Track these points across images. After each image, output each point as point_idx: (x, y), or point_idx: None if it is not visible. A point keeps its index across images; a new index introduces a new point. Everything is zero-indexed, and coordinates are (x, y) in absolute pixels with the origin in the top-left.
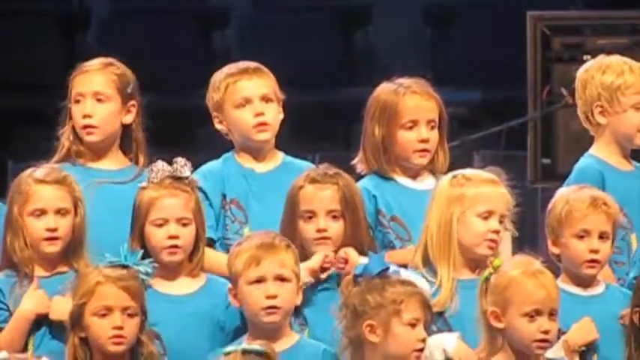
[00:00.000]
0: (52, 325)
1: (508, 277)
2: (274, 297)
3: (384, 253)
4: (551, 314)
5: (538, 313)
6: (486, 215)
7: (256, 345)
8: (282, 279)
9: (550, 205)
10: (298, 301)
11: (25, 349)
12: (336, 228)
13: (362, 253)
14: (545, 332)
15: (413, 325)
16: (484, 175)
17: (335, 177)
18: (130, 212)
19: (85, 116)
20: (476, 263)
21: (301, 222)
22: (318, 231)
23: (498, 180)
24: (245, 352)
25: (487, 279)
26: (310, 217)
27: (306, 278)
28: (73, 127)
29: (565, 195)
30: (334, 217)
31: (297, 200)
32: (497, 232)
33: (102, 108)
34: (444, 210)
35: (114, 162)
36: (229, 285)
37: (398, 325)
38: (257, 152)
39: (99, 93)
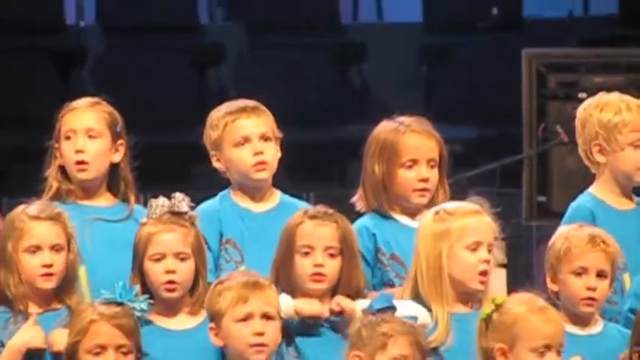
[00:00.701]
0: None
1: (515, 313)
2: (262, 334)
3: (394, 294)
4: (558, 350)
5: (547, 348)
6: (474, 247)
7: None
8: (268, 317)
9: (550, 243)
10: (279, 339)
11: None
12: (332, 265)
13: (356, 293)
14: None
15: None
16: (466, 207)
17: (334, 216)
18: (126, 249)
19: (77, 152)
20: (468, 297)
21: (297, 257)
22: (315, 266)
23: (481, 209)
24: None
25: (488, 316)
26: (307, 253)
27: (294, 315)
28: (60, 167)
29: (565, 232)
30: (331, 254)
31: (294, 235)
32: (487, 261)
33: (94, 144)
34: (430, 247)
35: (104, 200)
36: (211, 324)
37: (382, 359)
38: (255, 191)
39: (91, 129)
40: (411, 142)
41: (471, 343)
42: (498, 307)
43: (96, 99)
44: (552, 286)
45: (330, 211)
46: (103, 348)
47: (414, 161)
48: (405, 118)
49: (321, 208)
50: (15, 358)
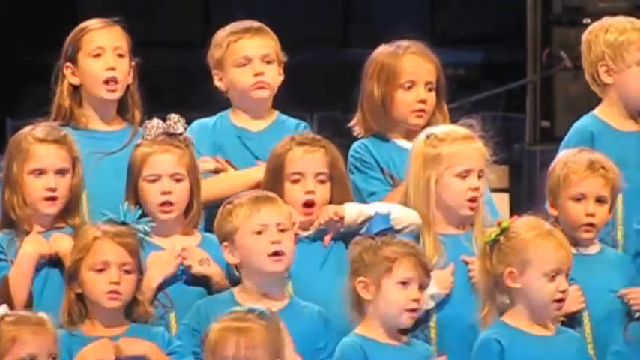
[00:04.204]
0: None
1: (524, 238)
2: (279, 242)
3: (389, 215)
4: (567, 274)
5: (558, 272)
6: (464, 175)
7: (260, 306)
8: (282, 229)
9: (550, 168)
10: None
11: (31, 296)
12: (322, 191)
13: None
14: (563, 292)
15: (405, 284)
16: (457, 132)
17: (322, 141)
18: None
19: (109, 69)
20: (458, 221)
21: (287, 184)
22: (307, 193)
23: (472, 135)
24: (251, 311)
25: (494, 240)
26: (297, 180)
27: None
28: (71, 86)
29: (564, 158)
30: (321, 181)
31: (283, 162)
32: (476, 189)
33: (123, 62)
34: (420, 171)
35: (115, 124)
36: (224, 243)
37: (389, 283)
38: (254, 111)
39: (120, 48)
40: (409, 63)
41: (461, 264)
42: (504, 231)
43: (109, 19)
44: (552, 211)
45: (317, 136)
46: (106, 265)
47: (413, 82)
48: (404, 42)
49: (307, 134)
50: (27, 268)
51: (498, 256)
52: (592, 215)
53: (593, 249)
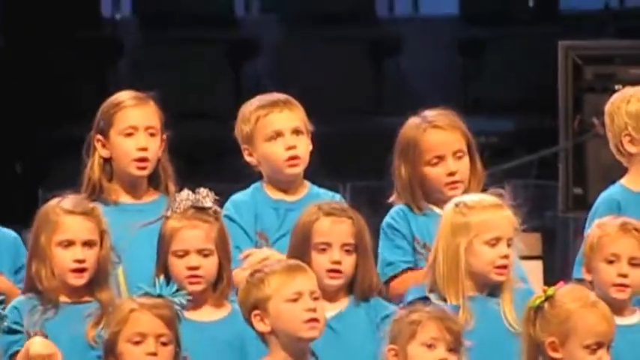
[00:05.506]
0: None
1: (568, 308)
2: (314, 310)
3: (425, 286)
4: (609, 347)
5: (599, 345)
6: (494, 242)
7: None
8: (316, 297)
9: (586, 233)
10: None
11: None
12: (349, 262)
13: (369, 289)
14: None
15: (430, 346)
16: (486, 201)
17: (349, 212)
18: None
19: (140, 149)
20: (486, 287)
21: (314, 253)
22: (333, 262)
23: (501, 203)
24: None
25: (538, 307)
26: (324, 249)
27: None
28: (102, 159)
29: (598, 222)
30: (347, 251)
31: (311, 232)
32: (506, 257)
33: (154, 142)
34: (449, 239)
35: (147, 196)
36: (255, 311)
37: (414, 347)
38: (287, 185)
39: (152, 127)
40: (433, 138)
41: (490, 327)
42: (549, 298)
43: (141, 93)
44: (587, 277)
45: (345, 206)
46: (143, 336)
47: (440, 157)
48: (429, 113)
49: (335, 204)
50: None
51: (541, 324)
52: (624, 276)
53: (632, 319)
